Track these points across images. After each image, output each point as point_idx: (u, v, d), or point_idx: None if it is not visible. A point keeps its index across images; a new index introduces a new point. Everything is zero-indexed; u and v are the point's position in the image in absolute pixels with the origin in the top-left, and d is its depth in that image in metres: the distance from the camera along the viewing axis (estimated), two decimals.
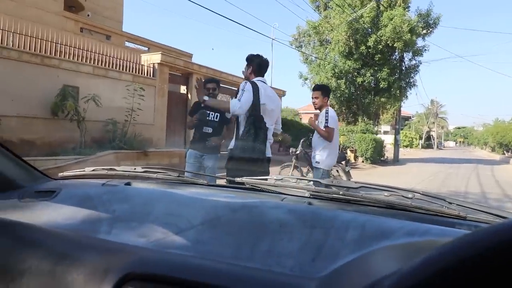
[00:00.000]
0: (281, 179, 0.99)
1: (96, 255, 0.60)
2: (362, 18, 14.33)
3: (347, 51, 14.79)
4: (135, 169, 1.09)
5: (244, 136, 2.67)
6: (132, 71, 8.42)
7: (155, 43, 13.08)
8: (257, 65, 2.81)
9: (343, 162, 6.66)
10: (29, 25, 6.73)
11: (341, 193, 0.86)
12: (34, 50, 6.65)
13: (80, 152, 6.27)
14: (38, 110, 6.41)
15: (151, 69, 8.89)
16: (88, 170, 1.12)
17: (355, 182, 0.91)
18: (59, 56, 7.00)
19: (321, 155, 3.49)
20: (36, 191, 0.93)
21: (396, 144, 16.13)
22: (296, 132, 11.28)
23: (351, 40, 14.56)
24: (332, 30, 14.96)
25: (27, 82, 6.23)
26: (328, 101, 3.68)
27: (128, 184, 0.99)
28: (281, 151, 12.63)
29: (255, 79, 2.80)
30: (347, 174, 6.34)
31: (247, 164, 2.64)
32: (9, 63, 6.14)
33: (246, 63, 2.85)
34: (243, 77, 2.92)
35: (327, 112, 3.46)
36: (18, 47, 6.43)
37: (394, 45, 14.34)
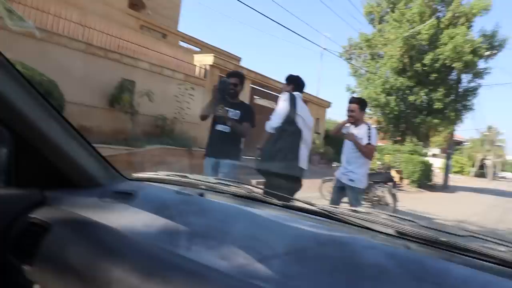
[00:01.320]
0: (368, 212, 0.90)
1: (181, 276, 0.60)
2: (420, 35, 13.77)
3: (400, 67, 14.28)
4: (207, 179, 1.10)
5: (278, 142, 2.80)
6: (185, 71, 8.75)
7: (206, 44, 13.50)
8: (296, 84, 3.11)
9: (389, 183, 6.38)
10: (95, 19, 7.27)
11: (444, 239, 0.74)
12: (99, 44, 7.15)
13: (131, 143, 6.60)
14: (98, 100, 6.86)
15: (203, 70, 9.18)
16: (161, 174, 1.14)
17: (460, 229, 0.81)
18: (120, 51, 7.46)
19: (357, 173, 3.33)
20: (115, 191, 0.95)
21: (447, 169, 15.20)
22: (338, 145, 11.04)
23: (405, 56, 14.04)
24: (385, 44, 14.54)
25: (91, 73, 6.71)
26: (364, 115, 3.57)
27: (201, 195, 0.98)
28: (322, 163, 12.43)
29: (292, 92, 3.01)
30: (393, 197, 6.06)
31: (279, 171, 2.73)
32: (77, 54, 6.65)
33: (285, 82, 3.09)
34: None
35: (369, 128, 3.34)
36: (86, 39, 6.95)
37: (453, 65, 13.62)
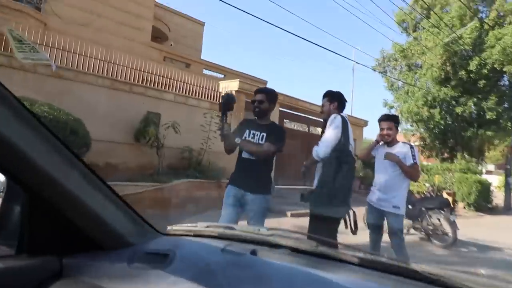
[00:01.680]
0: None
1: None
2: (462, 39, 13.30)
3: (442, 76, 13.80)
4: (258, 230, 0.97)
5: (333, 174, 2.60)
6: (210, 99, 8.91)
7: (230, 70, 13.83)
8: (340, 102, 2.93)
9: (446, 209, 5.89)
10: (121, 55, 7.65)
11: None
12: (124, 78, 7.47)
13: (157, 179, 6.67)
14: (123, 136, 7.07)
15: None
16: (201, 226, 1.04)
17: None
18: (145, 83, 7.75)
19: (400, 198, 3.18)
20: (147, 252, 0.85)
21: (508, 188, 14.05)
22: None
23: (447, 64, 13.57)
24: (423, 53, 14.17)
25: (116, 108, 6.98)
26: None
27: (254, 253, 0.85)
28: (362, 188, 11.93)
29: (340, 114, 2.83)
30: (453, 225, 5.54)
31: (332, 204, 2.56)
32: (103, 91, 6.97)
33: (325, 98, 2.93)
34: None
35: (412, 148, 3.23)
36: (110, 75, 7.30)
37: (504, 68, 12.92)
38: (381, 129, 3.31)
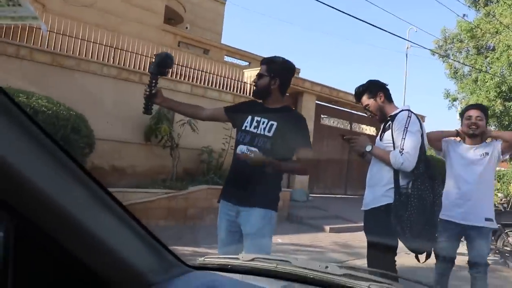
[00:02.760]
0: None
1: None
2: None
3: None
4: (326, 267, 0.85)
5: (419, 191, 2.36)
6: (233, 90, 8.89)
7: (256, 56, 13.79)
8: (384, 89, 2.68)
9: None
10: (130, 40, 7.77)
11: None
12: (133, 67, 7.58)
13: (171, 185, 6.70)
14: (131, 134, 7.17)
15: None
16: (244, 258, 0.95)
17: None
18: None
19: (491, 207, 3.10)
20: None
21: None
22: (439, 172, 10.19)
23: None
24: (497, 32, 13.55)
25: (123, 102, 7.08)
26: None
27: None
28: None
29: (406, 109, 2.61)
30: None
31: (416, 233, 2.31)
32: (109, 81, 7.10)
33: (363, 95, 2.70)
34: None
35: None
36: (118, 63, 7.43)
37: None
38: (468, 118, 3.08)
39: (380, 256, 2.45)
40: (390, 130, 2.52)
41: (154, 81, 2.23)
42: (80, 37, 7.26)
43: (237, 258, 0.96)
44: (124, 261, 0.74)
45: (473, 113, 3.07)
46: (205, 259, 0.99)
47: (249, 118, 2.28)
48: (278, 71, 2.30)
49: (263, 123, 2.22)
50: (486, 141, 3.20)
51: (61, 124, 5.05)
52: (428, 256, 2.53)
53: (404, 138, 2.39)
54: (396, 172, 2.43)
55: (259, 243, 2.18)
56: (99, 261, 0.72)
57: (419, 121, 2.54)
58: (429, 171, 2.43)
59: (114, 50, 7.59)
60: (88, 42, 7.34)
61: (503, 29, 13.18)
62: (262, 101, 2.36)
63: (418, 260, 2.54)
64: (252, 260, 0.94)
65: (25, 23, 5.65)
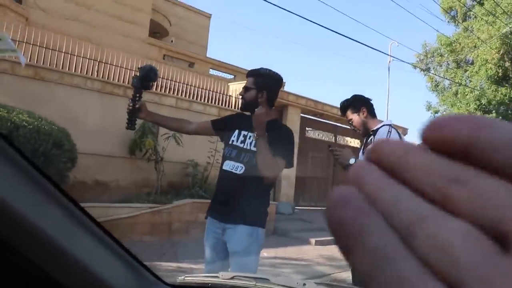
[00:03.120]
0: None
1: None
2: None
3: (499, 74, 13.52)
4: (304, 285, 0.85)
5: None
6: (218, 103, 8.90)
7: (241, 69, 13.87)
8: (367, 104, 2.74)
9: None
10: (114, 53, 7.74)
11: None
12: (118, 80, 7.54)
13: (156, 199, 6.62)
14: (115, 148, 7.09)
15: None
16: (224, 276, 0.94)
17: None
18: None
19: None
20: None
21: None
22: None
23: (505, 59, 13.30)
24: (475, 46, 13.94)
25: (107, 116, 7.01)
26: None
27: None
28: None
29: (388, 124, 2.69)
30: None
31: None
32: (92, 95, 7.04)
33: (347, 109, 2.74)
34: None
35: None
36: (102, 77, 7.38)
37: None
38: None
39: None
40: (372, 144, 2.58)
41: (138, 95, 2.17)
42: (63, 50, 7.20)
43: (217, 277, 0.95)
44: (99, 280, 0.73)
45: None
46: (185, 278, 0.98)
47: (236, 132, 2.25)
48: (265, 83, 2.24)
49: (249, 138, 2.18)
50: None
51: (43, 138, 4.98)
52: None
53: None
54: None
55: (244, 261, 2.12)
56: (73, 280, 0.71)
57: (399, 135, 2.64)
58: None
59: (98, 64, 7.55)
60: (71, 56, 7.29)
61: (481, 43, 13.57)
62: (250, 114, 2.26)
63: None
64: (232, 278, 0.94)
65: (4, 55, 5.60)
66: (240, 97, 2.33)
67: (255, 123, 1.95)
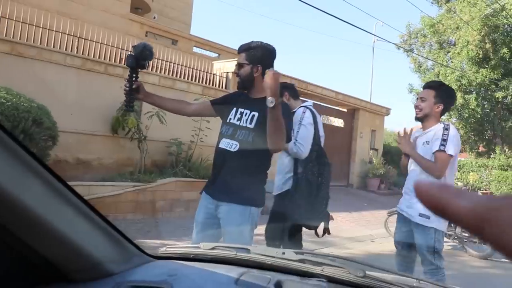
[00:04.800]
0: None
1: None
2: (505, 11, 13.16)
3: (480, 55, 13.69)
4: (283, 253, 0.87)
5: (307, 176, 2.88)
6: (202, 82, 8.80)
7: (226, 48, 13.69)
8: (292, 90, 3.21)
9: None
10: (94, 29, 7.52)
11: None
12: (98, 57, 7.35)
13: (139, 178, 6.59)
14: (98, 126, 6.98)
15: (224, 79, 9.20)
16: (205, 247, 0.95)
17: None
18: (123, 63, 7.63)
19: None
20: (135, 286, 0.77)
21: None
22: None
23: (486, 41, 13.45)
24: (458, 28, 14.04)
25: (88, 93, 6.87)
26: (445, 113, 2.90)
27: (279, 285, 0.78)
28: (383, 188, 11.89)
29: (306, 105, 3.12)
30: None
31: (307, 213, 2.84)
32: (72, 72, 6.85)
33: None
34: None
35: (446, 129, 2.66)
36: (82, 53, 7.18)
37: None
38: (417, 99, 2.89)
39: (287, 234, 3.02)
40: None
41: (134, 75, 2.14)
42: (41, 25, 6.96)
43: (198, 247, 0.97)
44: (81, 251, 0.73)
45: (420, 93, 2.84)
46: (167, 249, 0.99)
47: (234, 110, 2.22)
48: (258, 56, 2.17)
49: (245, 115, 2.16)
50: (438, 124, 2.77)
51: (22, 116, 4.86)
52: (325, 231, 3.04)
53: (298, 131, 2.89)
54: (296, 161, 2.93)
55: (237, 240, 2.10)
56: (55, 252, 0.72)
57: (314, 115, 3.01)
58: (320, 159, 2.93)
59: (78, 39, 7.32)
60: (50, 31, 7.05)
61: (463, 25, 13.67)
62: (247, 92, 2.27)
63: (317, 235, 3.06)
64: (213, 248, 0.95)
65: None
66: (235, 74, 2.28)
67: (266, 84, 1.84)
